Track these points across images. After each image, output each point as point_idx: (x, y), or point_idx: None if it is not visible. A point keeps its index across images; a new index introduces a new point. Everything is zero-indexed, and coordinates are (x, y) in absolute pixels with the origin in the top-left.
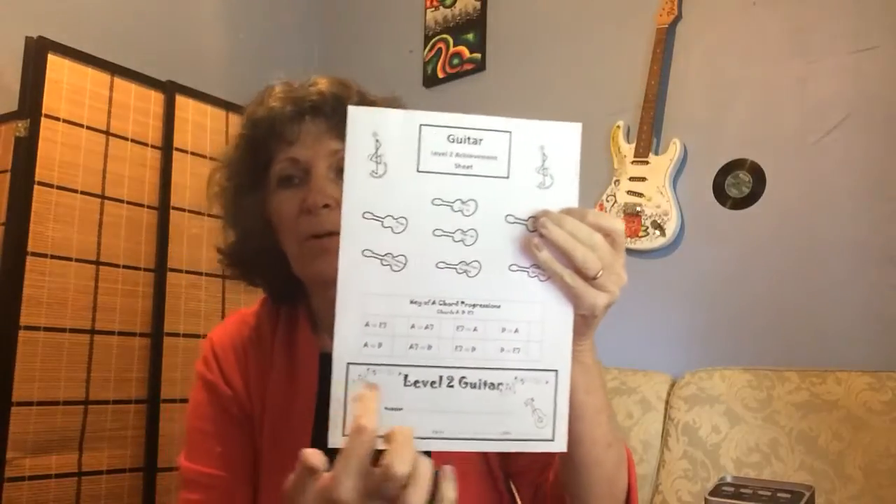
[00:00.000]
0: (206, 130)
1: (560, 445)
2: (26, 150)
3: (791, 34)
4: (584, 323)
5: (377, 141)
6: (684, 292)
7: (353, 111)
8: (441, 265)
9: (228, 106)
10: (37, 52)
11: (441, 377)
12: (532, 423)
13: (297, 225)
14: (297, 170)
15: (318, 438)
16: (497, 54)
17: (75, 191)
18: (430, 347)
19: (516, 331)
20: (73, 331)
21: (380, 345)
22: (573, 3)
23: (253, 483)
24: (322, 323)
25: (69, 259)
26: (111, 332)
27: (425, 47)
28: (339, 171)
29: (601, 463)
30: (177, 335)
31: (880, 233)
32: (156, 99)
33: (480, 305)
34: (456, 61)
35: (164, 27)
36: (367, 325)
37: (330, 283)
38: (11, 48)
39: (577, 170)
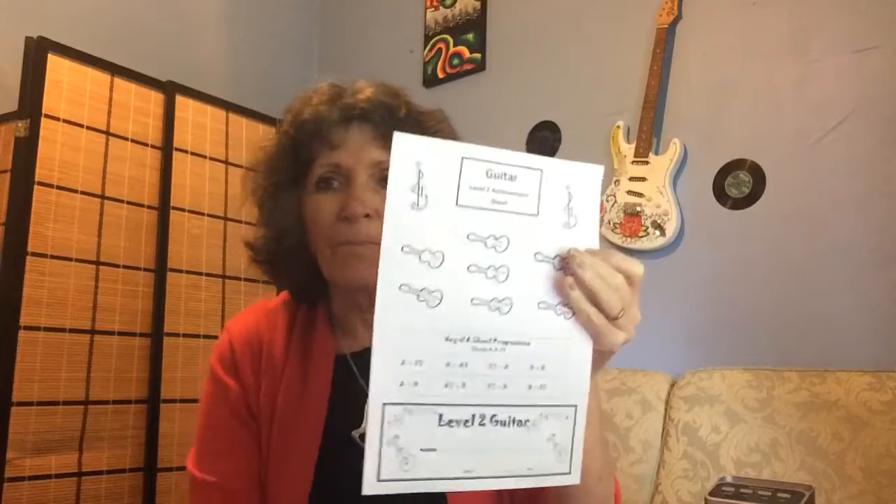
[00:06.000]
0: (206, 130)
1: (575, 478)
2: (26, 150)
3: (791, 34)
4: (598, 359)
5: (420, 171)
6: (684, 292)
7: (398, 138)
8: (475, 301)
9: (228, 106)
10: (37, 52)
11: (474, 416)
12: (553, 457)
13: (333, 230)
14: (338, 175)
15: (328, 440)
16: (497, 54)
17: (75, 191)
18: (464, 385)
19: (543, 367)
20: (73, 331)
21: (416, 383)
22: (573, 3)
23: (260, 483)
24: (340, 325)
25: (69, 259)
26: (111, 332)
27: (425, 47)
28: (380, 180)
29: (591, 494)
30: (177, 335)
31: (880, 233)
32: (156, 99)
33: (512, 343)
34: (456, 61)
35: (164, 27)
36: (403, 363)
37: (359, 289)
38: (11, 48)
39: (598, 210)
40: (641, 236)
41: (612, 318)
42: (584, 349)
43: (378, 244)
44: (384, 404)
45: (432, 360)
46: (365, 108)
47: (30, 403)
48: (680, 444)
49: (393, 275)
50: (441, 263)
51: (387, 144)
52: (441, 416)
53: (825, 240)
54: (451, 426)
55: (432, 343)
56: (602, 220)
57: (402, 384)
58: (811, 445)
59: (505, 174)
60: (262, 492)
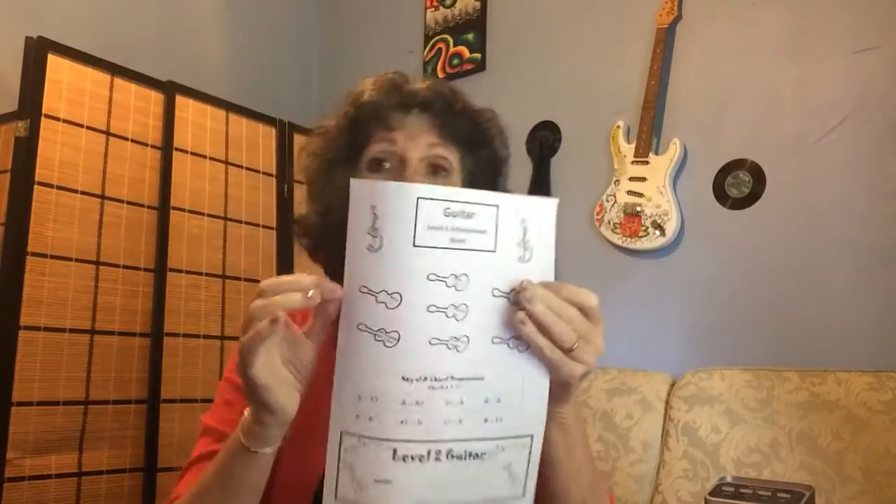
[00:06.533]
0: (206, 130)
1: (529, 500)
2: (26, 150)
3: (791, 34)
4: (565, 390)
5: (375, 214)
6: (684, 292)
7: (354, 183)
8: (434, 342)
9: (228, 106)
10: (37, 52)
11: (429, 452)
12: (507, 484)
13: None
14: (392, 156)
15: None
16: (497, 54)
17: (75, 191)
18: (419, 423)
19: (499, 401)
20: (73, 331)
21: (370, 418)
22: (573, 3)
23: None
24: None
25: (69, 259)
26: (111, 332)
27: (425, 47)
28: (430, 167)
29: None
30: (177, 335)
31: (880, 233)
32: (156, 99)
33: (467, 379)
34: (456, 61)
35: (164, 27)
36: (360, 398)
37: None
38: (11, 48)
39: (553, 244)
40: (641, 236)
41: (566, 351)
42: (539, 381)
43: None
44: (342, 432)
45: (388, 398)
46: (427, 96)
47: (30, 403)
48: (680, 444)
49: (351, 315)
50: (398, 304)
51: (443, 134)
52: (395, 451)
53: (825, 240)
54: (406, 461)
55: (389, 382)
56: (601, 220)
57: (357, 417)
58: (811, 445)
59: (463, 212)
60: (275, 471)
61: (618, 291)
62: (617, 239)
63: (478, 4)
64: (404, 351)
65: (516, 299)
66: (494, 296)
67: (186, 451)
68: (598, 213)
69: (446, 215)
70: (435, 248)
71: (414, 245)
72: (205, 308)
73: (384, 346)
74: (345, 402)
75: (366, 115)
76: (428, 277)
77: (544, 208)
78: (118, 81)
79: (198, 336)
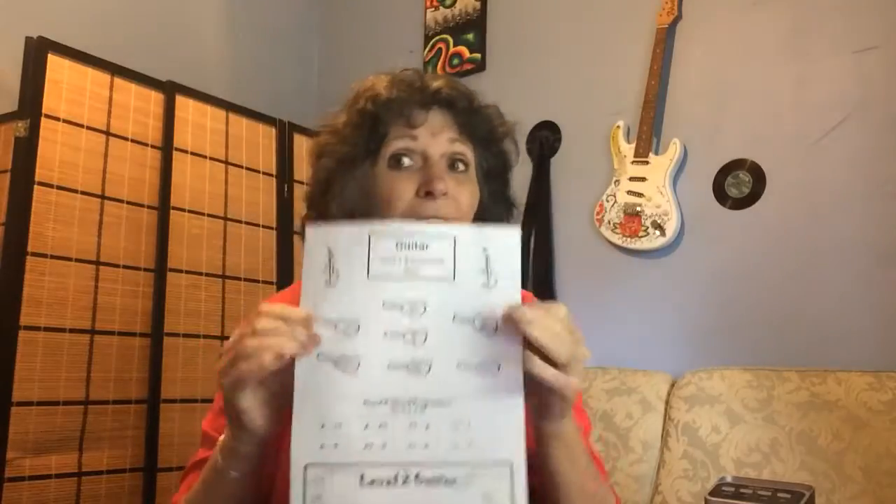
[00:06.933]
0: (206, 130)
1: None
2: (26, 150)
3: (791, 34)
4: (563, 405)
5: (330, 252)
6: (684, 292)
7: (308, 229)
8: (392, 365)
9: (228, 106)
10: (37, 52)
11: (397, 475)
12: None
13: (413, 206)
14: (413, 154)
15: None
16: (497, 54)
17: (75, 191)
18: (384, 446)
19: (468, 425)
20: (73, 331)
21: (336, 445)
22: (573, 3)
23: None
24: None
25: (69, 259)
26: (111, 332)
27: (425, 47)
28: (450, 164)
29: None
30: (177, 335)
31: (880, 233)
32: (156, 99)
33: (432, 403)
34: (456, 61)
35: (164, 27)
36: (323, 426)
37: None
38: (11, 48)
39: (518, 269)
40: (641, 236)
41: (561, 367)
42: (513, 406)
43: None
44: (305, 466)
45: (351, 423)
46: (449, 94)
47: (30, 403)
48: (680, 444)
49: None
50: (357, 331)
51: (462, 131)
52: (362, 476)
53: (825, 240)
54: (374, 486)
55: (351, 407)
56: (601, 220)
57: (322, 446)
58: (811, 445)
59: (416, 244)
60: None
61: (618, 291)
62: (617, 239)
63: (478, 4)
64: (365, 375)
65: (509, 325)
66: (455, 322)
67: (186, 452)
68: (598, 213)
69: (398, 248)
70: (389, 278)
71: (368, 277)
72: (205, 308)
73: (344, 372)
74: (307, 436)
75: (385, 112)
76: (384, 305)
77: (506, 237)
78: (118, 81)
79: (198, 336)
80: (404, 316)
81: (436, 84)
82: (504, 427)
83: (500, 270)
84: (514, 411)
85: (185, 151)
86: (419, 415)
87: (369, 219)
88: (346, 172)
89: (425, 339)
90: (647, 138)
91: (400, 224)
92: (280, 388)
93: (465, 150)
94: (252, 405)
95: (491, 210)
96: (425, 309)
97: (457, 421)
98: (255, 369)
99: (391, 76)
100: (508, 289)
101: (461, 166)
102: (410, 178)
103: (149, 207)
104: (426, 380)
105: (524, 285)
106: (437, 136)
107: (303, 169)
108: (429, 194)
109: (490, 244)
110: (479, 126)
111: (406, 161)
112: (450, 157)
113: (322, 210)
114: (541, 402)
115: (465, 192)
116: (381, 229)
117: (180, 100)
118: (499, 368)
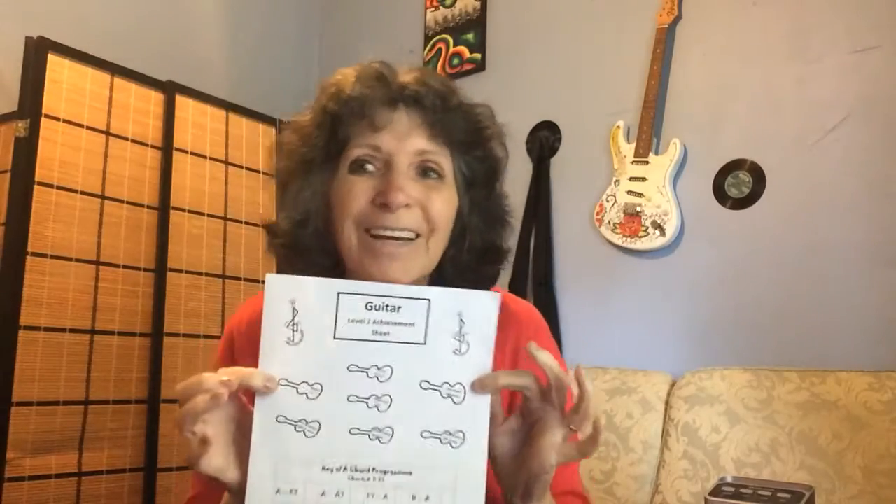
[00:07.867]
0: (206, 130)
1: None
2: (26, 150)
3: (791, 34)
4: (543, 489)
5: (294, 308)
6: (684, 292)
7: (269, 279)
8: (354, 431)
9: (228, 106)
10: (37, 52)
11: None
12: None
13: (366, 215)
14: (377, 158)
15: None
16: (497, 54)
17: (75, 191)
18: None
19: (427, 498)
20: (73, 331)
21: None
22: (573, 3)
23: None
24: None
25: (69, 259)
26: (111, 332)
27: (425, 47)
28: (420, 171)
29: None
30: (177, 335)
31: (880, 233)
32: (156, 99)
33: (392, 472)
34: (456, 61)
35: (164, 27)
36: (278, 491)
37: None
38: (11, 48)
39: (493, 336)
40: (641, 236)
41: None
42: (475, 479)
43: (414, 234)
44: None
45: (307, 490)
46: (417, 91)
47: (30, 403)
48: (680, 444)
49: (270, 407)
50: (319, 395)
51: (434, 133)
52: None
53: (825, 240)
54: None
55: (308, 472)
56: (601, 220)
57: None
58: (811, 445)
59: (387, 305)
60: None
61: (617, 291)
62: (617, 239)
63: (478, 4)
64: (325, 440)
65: (561, 384)
66: (423, 388)
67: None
68: (598, 213)
69: (368, 309)
70: (356, 340)
71: (334, 338)
72: (205, 308)
73: (304, 436)
74: (261, 499)
75: (347, 111)
76: (349, 368)
77: (484, 302)
78: (118, 81)
79: (198, 336)
80: (370, 380)
81: (404, 79)
82: (466, 499)
83: (474, 336)
84: (475, 485)
85: (185, 151)
86: (378, 484)
87: (324, 226)
88: (302, 177)
89: (389, 406)
90: (647, 138)
91: (371, 284)
92: (243, 437)
93: (439, 156)
94: (223, 465)
95: (472, 221)
96: (391, 374)
97: (416, 493)
98: (195, 441)
99: (359, 69)
100: (481, 356)
101: (433, 174)
102: (369, 184)
103: (149, 207)
104: (388, 447)
105: (524, 286)
106: (403, 141)
107: None
108: (384, 206)
109: (466, 308)
110: (456, 127)
111: (369, 167)
112: (419, 164)
113: (278, 218)
114: (519, 483)
115: (438, 200)
116: (350, 288)
117: (180, 100)
118: (464, 438)
